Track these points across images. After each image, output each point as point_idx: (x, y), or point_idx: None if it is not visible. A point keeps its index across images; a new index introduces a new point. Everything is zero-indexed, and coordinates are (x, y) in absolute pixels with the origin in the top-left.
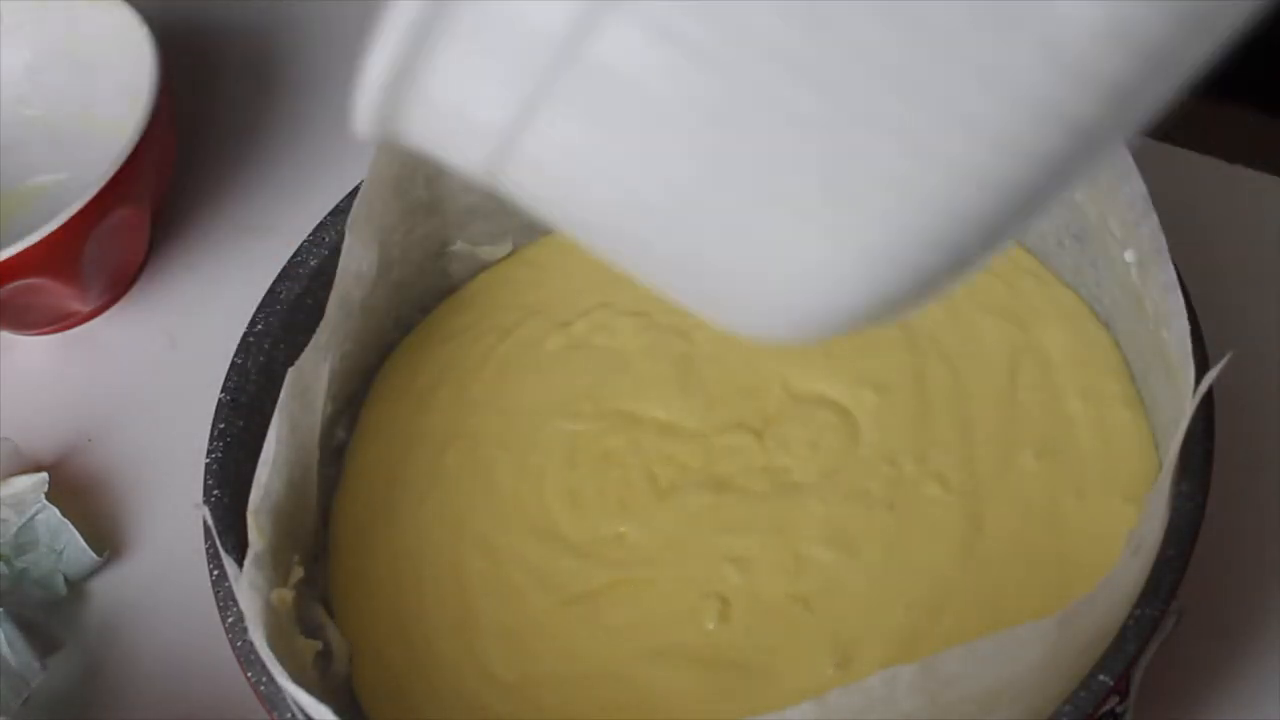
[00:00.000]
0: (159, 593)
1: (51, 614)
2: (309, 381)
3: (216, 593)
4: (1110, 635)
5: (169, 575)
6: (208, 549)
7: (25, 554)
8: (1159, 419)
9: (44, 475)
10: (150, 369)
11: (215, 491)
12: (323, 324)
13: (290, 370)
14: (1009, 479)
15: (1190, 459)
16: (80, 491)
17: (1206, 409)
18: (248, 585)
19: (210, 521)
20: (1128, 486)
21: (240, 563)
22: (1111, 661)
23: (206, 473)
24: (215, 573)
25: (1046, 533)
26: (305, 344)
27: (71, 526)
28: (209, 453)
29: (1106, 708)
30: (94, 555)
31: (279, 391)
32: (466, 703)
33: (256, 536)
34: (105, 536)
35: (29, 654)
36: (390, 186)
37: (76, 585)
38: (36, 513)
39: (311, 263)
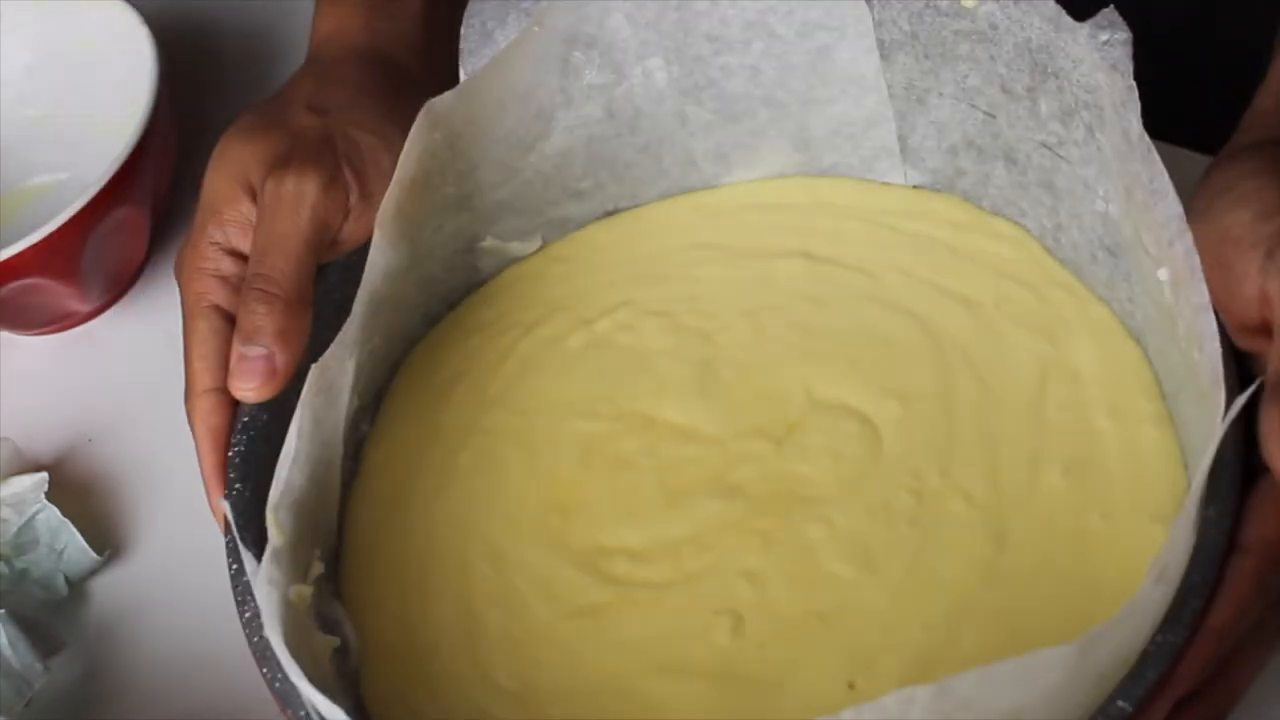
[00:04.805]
0: (159, 593)
1: (53, 614)
2: (334, 377)
3: (235, 587)
4: (1130, 661)
5: (169, 575)
6: (227, 543)
7: (25, 554)
8: (1189, 439)
9: (44, 475)
10: (150, 369)
11: (237, 485)
12: (349, 320)
13: (313, 366)
14: (1034, 496)
15: (1218, 483)
16: (80, 491)
17: (1237, 434)
18: (265, 581)
19: (230, 515)
20: (1155, 506)
21: (259, 557)
22: (1130, 687)
23: (229, 466)
24: (234, 567)
25: (1070, 552)
26: (327, 338)
27: (71, 526)
28: (231, 446)
29: None
30: (94, 555)
31: (303, 385)
32: (469, 709)
33: (276, 533)
34: (105, 536)
35: (31, 655)
36: (420, 184)
37: (77, 585)
38: (36, 513)
39: (339, 259)
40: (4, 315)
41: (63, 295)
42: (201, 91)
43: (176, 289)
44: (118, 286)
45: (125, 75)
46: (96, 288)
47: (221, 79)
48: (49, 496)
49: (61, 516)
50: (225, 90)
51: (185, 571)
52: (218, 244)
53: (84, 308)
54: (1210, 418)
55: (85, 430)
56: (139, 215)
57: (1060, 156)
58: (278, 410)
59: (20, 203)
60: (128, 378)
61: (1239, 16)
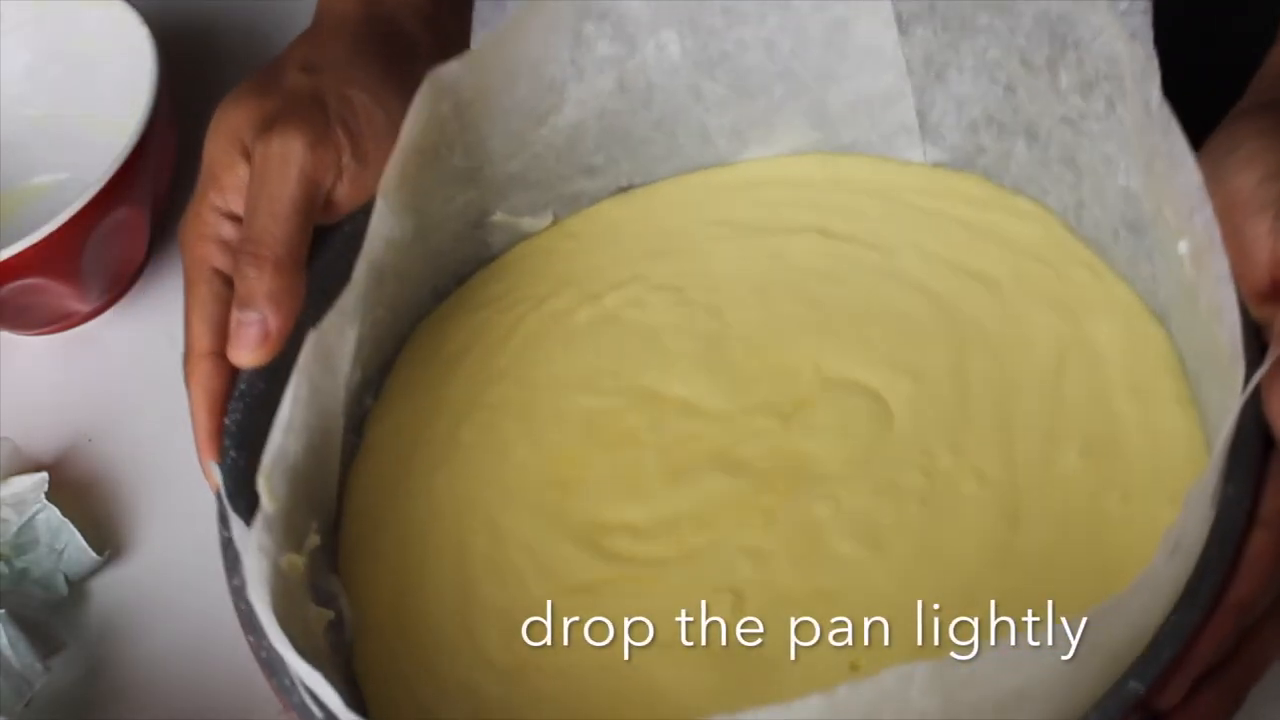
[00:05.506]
0: (159, 593)
1: (53, 614)
2: (332, 345)
3: (225, 556)
4: (1144, 640)
5: (169, 575)
6: (219, 511)
7: (25, 554)
8: (1212, 419)
9: (44, 475)
10: (150, 369)
11: (232, 453)
12: (348, 288)
13: (311, 332)
14: (1050, 477)
15: (1237, 458)
16: (80, 491)
17: (1256, 408)
18: (255, 547)
19: (221, 480)
20: (1175, 489)
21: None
22: (1144, 667)
23: (224, 433)
24: (225, 535)
25: (1086, 535)
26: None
27: (71, 526)
28: (229, 414)
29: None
30: (94, 555)
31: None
32: (460, 684)
33: (268, 498)
34: (105, 536)
35: (31, 655)
36: (427, 154)
37: (77, 585)
38: (36, 513)
39: (345, 228)
40: (4, 315)
41: (63, 295)
42: (201, 91)
43: (176, 290)
44: (118, 286)
45: (125, 75)
46: (96, 288)
47: (221, 79)
48: (49, 496)
49: (61, 516)
50: (225, 90)
51: (185, 571)
52: (218, 209)
53: (84, 308)
54: (1232, 394)
55: (85, 430)
56: (139, 215)
57: (1081, 131)
58: (276, 378)
59: (20, 203)
60: (128, 378)
61: (1239, 16)
